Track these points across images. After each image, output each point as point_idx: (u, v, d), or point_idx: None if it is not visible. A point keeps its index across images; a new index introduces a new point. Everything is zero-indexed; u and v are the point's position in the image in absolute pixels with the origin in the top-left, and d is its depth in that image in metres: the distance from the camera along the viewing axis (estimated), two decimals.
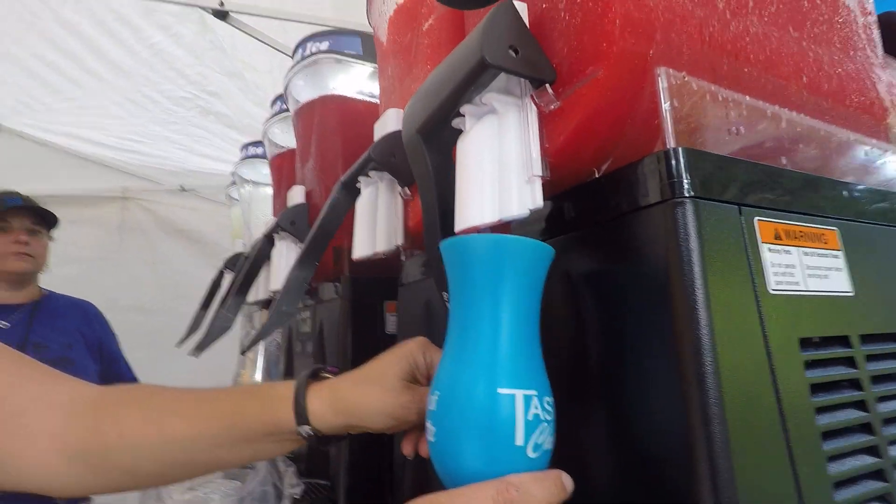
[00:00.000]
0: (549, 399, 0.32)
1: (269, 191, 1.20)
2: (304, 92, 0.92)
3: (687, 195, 0.31)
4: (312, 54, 0.88)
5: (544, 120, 0.36)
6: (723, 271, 0.31)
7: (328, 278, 0.87)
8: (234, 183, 1.43)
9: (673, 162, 0.32)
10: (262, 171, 1.30)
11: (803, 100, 0.39)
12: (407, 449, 0.41)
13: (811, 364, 0.33)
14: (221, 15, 1.40)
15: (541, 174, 0.35)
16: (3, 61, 2.03)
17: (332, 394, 0.41)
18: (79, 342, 1.42)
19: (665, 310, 0.31)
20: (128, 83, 2.11)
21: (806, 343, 0.33)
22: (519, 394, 0.30)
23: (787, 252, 0.35)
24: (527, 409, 0.30)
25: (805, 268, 0.35)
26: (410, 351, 0.40)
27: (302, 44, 0.92)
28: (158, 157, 2.35)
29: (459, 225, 0.35)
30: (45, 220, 1.47)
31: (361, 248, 0.57)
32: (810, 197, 0.38)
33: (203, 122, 2.27)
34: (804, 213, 0.37)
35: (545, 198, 0.38)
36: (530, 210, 0.34)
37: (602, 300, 0.36)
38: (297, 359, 0.98)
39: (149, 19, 1.91)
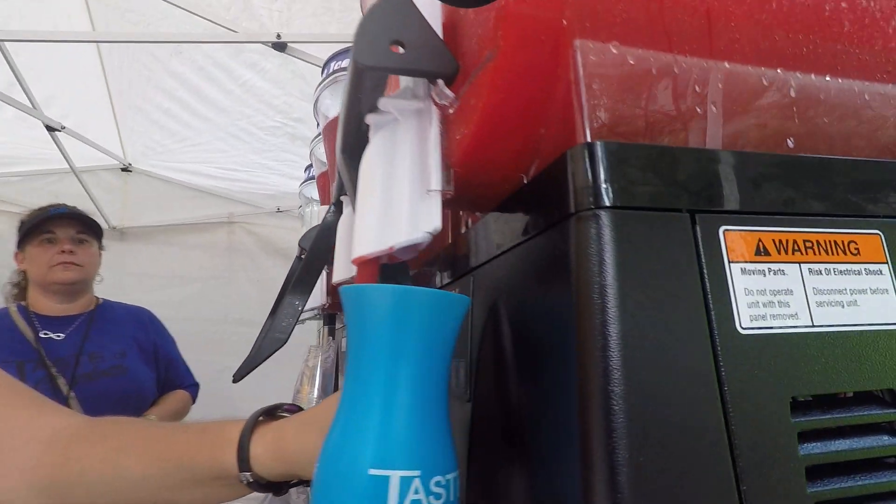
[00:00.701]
0: (442, 478, 0.25)
1: None
2: (332, 109, 0.92)
3: (603, 205, 0.23)
4: (335, 72, 0.88)
5: (451, 123, 0.30)
6: (654, 307, 0.22)
7: None
8: (301, 205, 1.50)
9: (585, 162, 0.24)
10: None
11: (813, 51, 0.28)
12: None
13: (809, 436, 0.23)
14: (280, 47, 1.48)
15: (439, 188, 0.29)
16: (134, 113, 2.37)
17: (276, 439, 0.38)
18: (133, 349, 1.39)
19: (568, 362, 0.23)
20: (227, 119, 2.33)
21: (805, 406, 0.23)
22: (395, 475, 0.24)
23: (778, 272, 0.24)
24: (403, 495, 0.24)
25: (813, 292, 0.25)
26: None
27: (328, 62, 0.92)
28: (257, 182, 2.57)
29: (353, 254, 0.31)
30: (91, 228, 1.43)
31: (340, 271, 0.54)
32: (831, 187, 0.27)
33: (292, 147, 2.44)
34: (817, 216, 0.26)
35: (482, 212, 0.32)
36: (427, 233, 0.28)
37: (517, 339, 0.29)
38: (341, 378, 0.98)
39: (237, 59, 2.10)
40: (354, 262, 0.30)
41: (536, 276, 0.28)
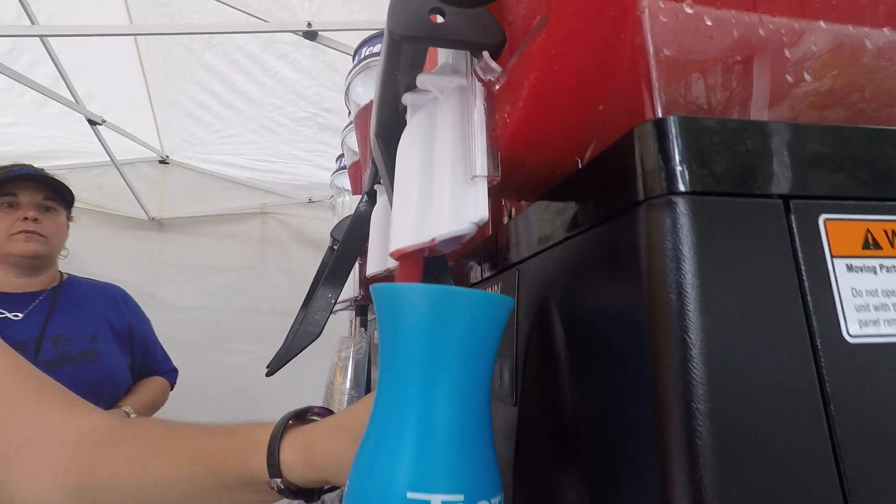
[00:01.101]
0: (487, 503, 0.23)
1: None
2: (364, 96, 0.90)
3: (679, 190, 0.20)
4: (366, 58, 0.86)
5: (497, 101, 0.27)
6: (743, 312, 0.19)
7: None
8: (332, 196, 1.49)
9: (656, 140, 0.21)
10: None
11: None
12: None
13: None
14: (312, 35, 1.46)
15: (485, 174, 0.26)
16: (171, 107, 2.42)
17: (306, 445, 0.37)
18: (105, 331, 1.21)
19: (640, 371, 0.20)
20: (258, 111, 2.35)
21: None
22: (436, 499, 0.22)
23: (892, 269, 0.21)
24: None
25: None
26: None
27: (359, 48, 0.90)
28: (289, 173, 2.59)
29: (391, 247, 0.28)
30: (60, 194, 1.22)
31: (374, 263, 0.52)
32: None
33: (323, 138, 2.45)
34: None
35: (527, 201, 0.29)
36: (473, 224, 0.25)
37: (574, 342, 0.26)
38: (374, 369, 0.97)
39: (269, 51, 2.10)
40: (393, 255, 0.28)
41: (597, 273, 0.24)
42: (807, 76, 0.23)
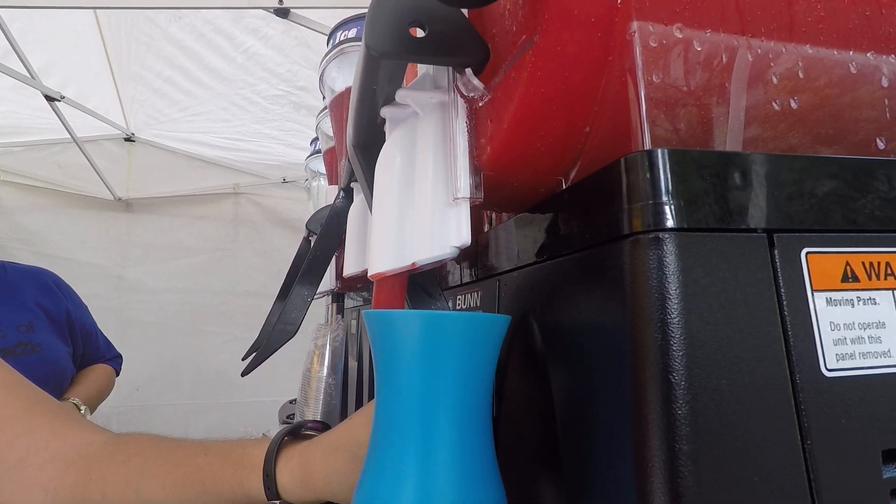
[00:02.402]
0: None
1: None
2: (339, 82, 0.87)
3: (666, 226, 0.20)
4: (342, 42, 0.83)
5: (480, 119, 0.26)
6: (726, 347, 0.19)
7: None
8: (307, 178, 1.46)
9: (644, 173, 0.20)
10: None
11: None
12: None
13: None
14: (283, 13, 1.40)
15: (467, 195, 0.25)
16: (134, 82, 2.30)
17: (302, 466, 0.36)
18: (41, 320, 1.10)
19: (623, 410, 0.20)
20: (229, 88, 2.26)
21: None
22: None
23: (869, 301, 0.21)
24: None
25: None
26: None
27: (334, 31, 0.87)
28: (262, 153, 2.52)
29: (370, 270, 0.27)
30: None
31: (352, 264, 0.51)
32: None
33: (296, 117, 2.38)
34: None
35: (509, 213, 0.28)
36: (455, 248, 0.25)
37: (556, 360, 0.26)
38: (349, 359, 0.97)
39: (239, 25, 2.02)
40: (372, 278, 0.27)
41: (579, 297, 0.24)
42: (793, 103, 0.23)
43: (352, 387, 0.96)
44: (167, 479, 0.38)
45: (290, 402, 1.41)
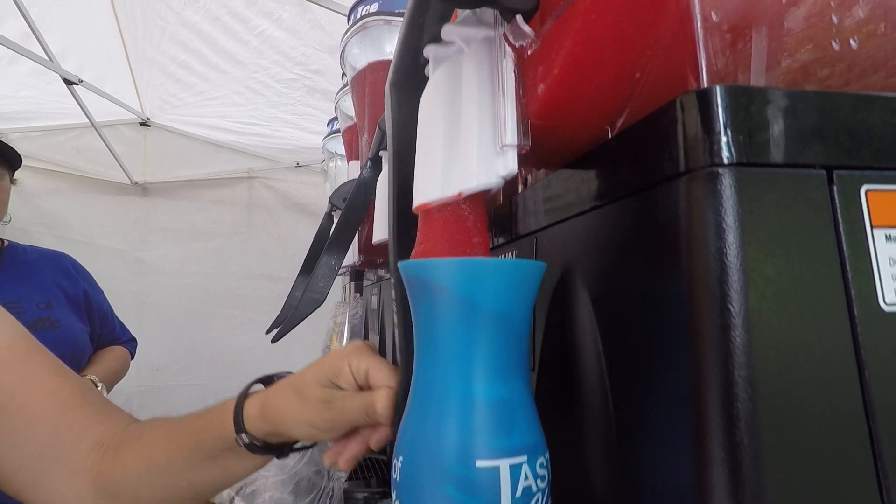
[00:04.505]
0: (543, 459, 0.24)
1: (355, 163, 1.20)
2: (360, 59, 0.87)
3: (724, 162, 0.20)
4: (362, 17, 0.82)
5: (528, 67, 0.26)
6: (784, 283, 0.19)
7: None
8: (324, 159, 1.46)
9: (699, 109, 0.20)
10: None
11: None
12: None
13: None
14: None
15: (515, 143, 0.25)
16: (149, 66, 2.31)
17: (261, 400, 0.39)
18: (59, 298, 1.13)
19: (681, 351, 0.20)
20: (243, 72, 2.27)
21: None
22: (504, 464, 0.22)
23: None
24: (515, 483, 0.22)
25: None
26: (334, 359, 0.36)
27: (355, 6, 0.86)
28: (276, 137, 2.52)
29: (415, 202, 0.28)
30: (3, 156, 1.12)
31: (381, 231, 0.52)
32: None
33: (310, 101, 2.38)
34: None
35: (550, 169, 0.28)
36: (501, 178, 0.25)
37: (602, 311, 0.26)
38: (370, 335, 0.98)
39: (253, 8, 2.01)
40: (417, 209, 0.27)
41: (629, 243, 0.24)
42: (853, 43, 0.22)
43: None
44: (168, 444, 0.42)
45: None
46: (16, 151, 1.17)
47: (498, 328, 0.23)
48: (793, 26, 0.23)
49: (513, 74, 0.26)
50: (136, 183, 2.43)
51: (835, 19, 0.22)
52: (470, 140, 0.25)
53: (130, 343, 1.36)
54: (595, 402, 0.27)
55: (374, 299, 0.95)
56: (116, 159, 2.28)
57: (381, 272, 1.04)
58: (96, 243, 2.33)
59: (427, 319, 0.25)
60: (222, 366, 2.43)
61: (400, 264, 0.26)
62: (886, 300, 0.20)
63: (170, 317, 2.38)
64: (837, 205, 0.20)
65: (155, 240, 2.45)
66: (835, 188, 0.20)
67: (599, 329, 0.26)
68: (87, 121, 2.10)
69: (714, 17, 0.21)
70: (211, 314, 2.43)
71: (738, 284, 0.19)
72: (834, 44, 0.22)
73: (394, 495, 0.25)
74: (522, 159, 0.34)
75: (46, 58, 1.72)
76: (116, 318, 1.33)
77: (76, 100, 1.95)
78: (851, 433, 0.19)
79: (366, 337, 1.04)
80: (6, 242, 1.19)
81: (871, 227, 0.20)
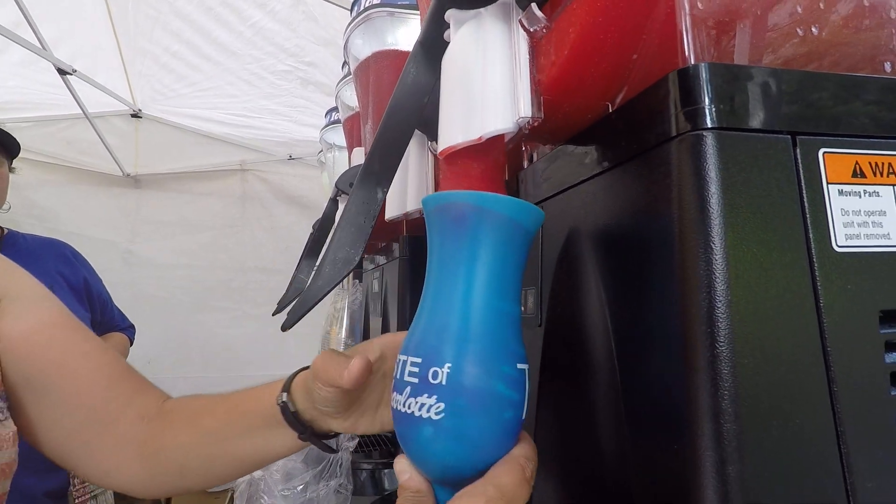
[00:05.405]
0: (527, 366, 0.28)
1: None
2: (363, 50, 0.90)
3: (707, 126, 0.24)
4: (366, 9, 0.85)
5: (540, 49, 0.30)
6: (755, 225, 0.23)
7: (395, 238, 0.87)
8: (322, 150, 1.48)
9: (687, 84, 0.24)
10: None
11: None
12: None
13: (895, 346, 0.24)
14: None
15: (529, 115, 0.29)
16: (141, 57, 2.31)
17: (305, 380, 0.41)
18: (60, 286, 1.15)
19: (671, 280, 0.24)
20: (236, 63, 2.27)
21: (893, 319, 0.24)
22: (525, 367, 0.27)
23: (873, 194, 0.25)
24: (528, 382, 0.27)
25: None
26: (389, 343, 0.39)
27: None
28: (269, 129, 2.53)
29: (439, 147, 0.32)
30: (3, 144, 1.12)
31: (392, 207, 0.55)
32: None
33: (304, 93, 2.39)
34: None
35: (554, 144, 0.32)
36: (520, 120, 0.29)
37: (602, 267, 0.30)
38: (371, 319, 1.01)
39: None
40: (441, 154, 0.31)
41: (626, 203, 0.28)
42: (814, 30, 0.27)
43: None
44: (214, 413, 0.44)
45: None
46: (14, 139, 1.18)
47: (524, 257, 0.27)
48: (777, 21, 0.27)
49: (527, 55, 0.29)
50: (128, 175, 2.42)
51: (799, 10, 0.26)
52: (488, 89, 0.29)
53: (129, 330, 1.39)
54: (596, 349, 0.31)
55: (376, 283, 0.99)
56: (108, 150, 2.27)
57: (383, 258, 1.07)
58: (87, 235, 2.32)
59: (472, 247, 0.27)
60: (215, 358, 2.44)
61: (423, 200, 0.29)
62: (838, 243, 0.24)
63: (162, 309, 2.38)
64: (800, 164, 0.25)
65: (147, 232, 2.45)
66: (798, 150, 0.25)
67: (602, 280, 0.30)
68: (78, 112, 2.09)
69: (700, 6, 0.25)
70: (204, 306, 2.44)
71: (719, 227, 0.23)
72: (799, 30, 0.26)
73: (433, 399, 0.26)
74: (529, 136, 0.38)
75: (39, 45, 1.71)
76: (115, 305, 1.35)
77: (70, 90, 1.95)
78: (810, 352, 0.23)
79: (366, 322, 1.07)
80: (6, 231, 1.20)
81: (827, 183, 0.25)
